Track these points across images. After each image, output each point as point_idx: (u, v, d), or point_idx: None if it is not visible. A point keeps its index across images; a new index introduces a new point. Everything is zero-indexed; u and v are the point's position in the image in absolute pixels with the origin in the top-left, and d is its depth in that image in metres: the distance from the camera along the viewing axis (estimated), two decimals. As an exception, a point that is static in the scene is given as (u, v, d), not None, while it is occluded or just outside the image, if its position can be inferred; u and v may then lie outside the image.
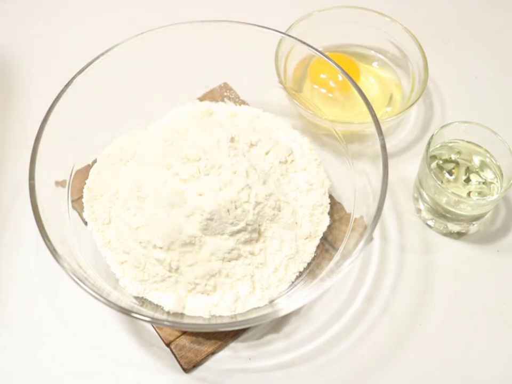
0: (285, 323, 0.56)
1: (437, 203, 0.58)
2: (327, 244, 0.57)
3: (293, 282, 0.55)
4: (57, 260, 0.46)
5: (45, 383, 0.53)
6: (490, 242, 0.61)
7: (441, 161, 0.60)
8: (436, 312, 0.56)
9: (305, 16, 0.69)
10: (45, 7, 0.79)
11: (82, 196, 0.58)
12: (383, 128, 0.53)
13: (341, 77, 0.58)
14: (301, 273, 0.55)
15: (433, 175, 0.56)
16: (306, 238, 0.56)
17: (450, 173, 0.59)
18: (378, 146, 0.51)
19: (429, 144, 0.57)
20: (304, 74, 0.68)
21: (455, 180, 0.59)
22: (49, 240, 0.47)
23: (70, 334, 0.55)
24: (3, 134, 0.67)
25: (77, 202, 0.58)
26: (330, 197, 0.59)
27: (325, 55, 0.58)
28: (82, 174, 0.59)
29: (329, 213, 0.58)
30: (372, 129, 0.52)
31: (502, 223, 0.62)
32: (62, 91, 0.54)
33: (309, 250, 0.56)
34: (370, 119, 0.53)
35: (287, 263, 0.55)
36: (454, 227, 0.60)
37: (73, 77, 0.55)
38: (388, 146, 0.54)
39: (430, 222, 0.61)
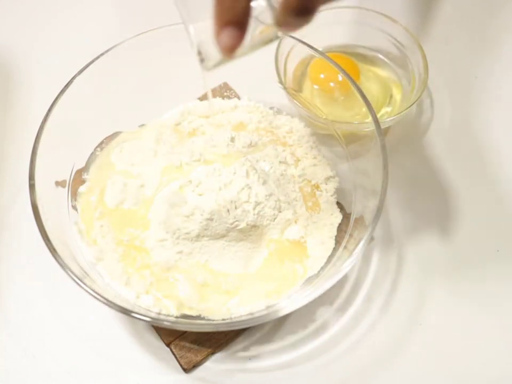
0: (285, 323, 0.56)
1: None
2: (327, 244, 0.57)
3: (293, 282, 0.55)
4: (57, 260, 0.46)
5: (45, 383, 0.53)
6: (490, 242, 0.61)
7: None
8: (436, 312, 0.56)
9: (305, 16, 0.68)
10: (45, 7, 0.79)
11: (82, 196, 0.58)
12: (383, 128, 0.53)
13: (341, 77, 0.58)
14: (301, 273, 0.55)
15: None
16: (307, 238, 0.56)
17: None
18: (378, 146, 0.51)
19: None
20: (304, 74, 0.68)
21: None
22: (49, 240, 0.47)
23: (70, 334, 0.55)
24: (3, 134, 0.67)
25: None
26: (331, 197, 0.59)
27: (325, 55, 0.58)
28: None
29: (329, 213, 0.58)
30: (372, 129, 0.52)
31: (502, 222, 0.62)
32: (62, 91, 0.54)
33: (309, 250, 0.56)
34: (370, 119, 0.53)
35: (287, 263, 0.55)
36: None
37: (73, 77, 0.55)
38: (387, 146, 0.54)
39: None
